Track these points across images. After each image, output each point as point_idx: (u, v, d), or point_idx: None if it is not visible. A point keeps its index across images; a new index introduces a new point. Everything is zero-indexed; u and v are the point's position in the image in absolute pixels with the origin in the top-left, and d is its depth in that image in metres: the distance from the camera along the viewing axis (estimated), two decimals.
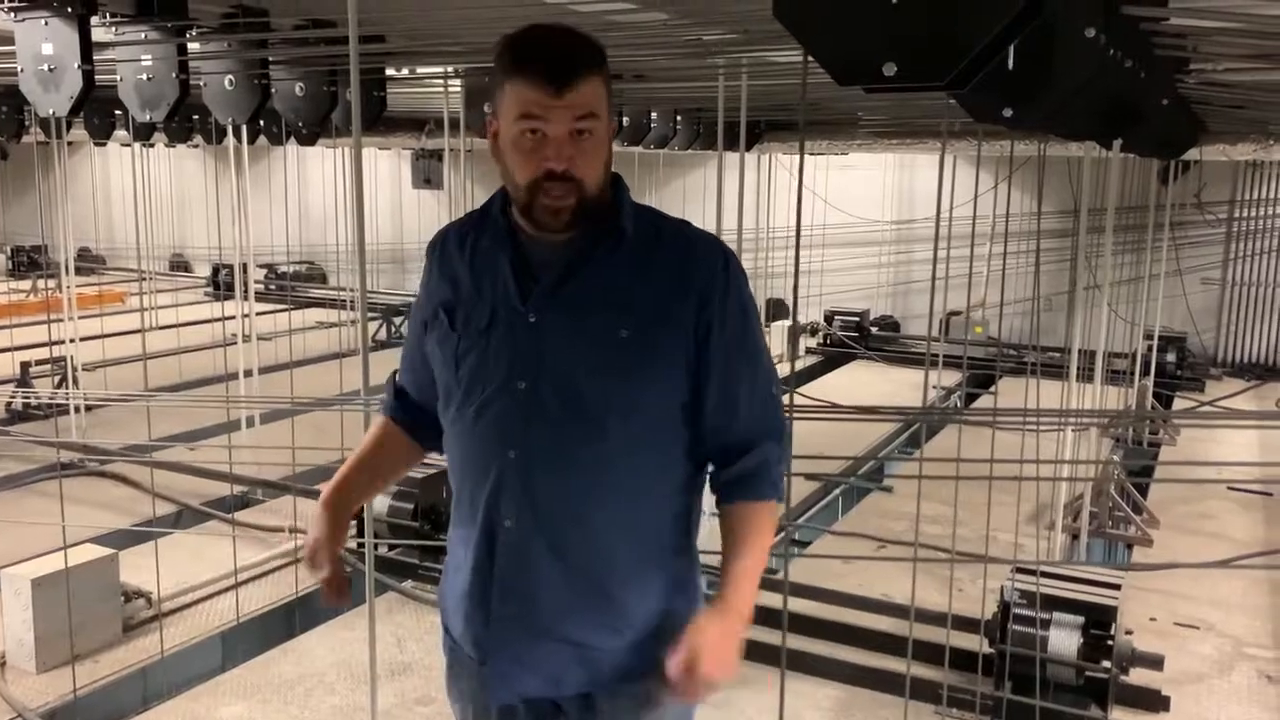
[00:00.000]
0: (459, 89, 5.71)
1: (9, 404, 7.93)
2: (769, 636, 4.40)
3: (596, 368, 1.65)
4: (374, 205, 14.84)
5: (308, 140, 8.89)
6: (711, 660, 1.57)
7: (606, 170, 1.65)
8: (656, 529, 1.74)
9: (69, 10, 3.61)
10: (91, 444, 6.90)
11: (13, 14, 3.69)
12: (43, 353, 7.85)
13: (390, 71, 5.33)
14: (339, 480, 1.93)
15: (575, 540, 1.69)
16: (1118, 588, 4.03)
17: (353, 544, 5.36)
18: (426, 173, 13.96)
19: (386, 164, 15.26)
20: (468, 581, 1.74)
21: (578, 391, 1.65)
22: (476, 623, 1.74)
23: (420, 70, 5.79)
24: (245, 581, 5.01)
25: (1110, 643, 3.87)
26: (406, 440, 1.94)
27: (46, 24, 3.78)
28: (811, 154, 10.65)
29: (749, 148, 8.08)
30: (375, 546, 5.00)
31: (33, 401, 7.93)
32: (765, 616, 4.65)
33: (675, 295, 1.66)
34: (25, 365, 8.19)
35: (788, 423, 1.81)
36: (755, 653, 4.36)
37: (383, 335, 12.19)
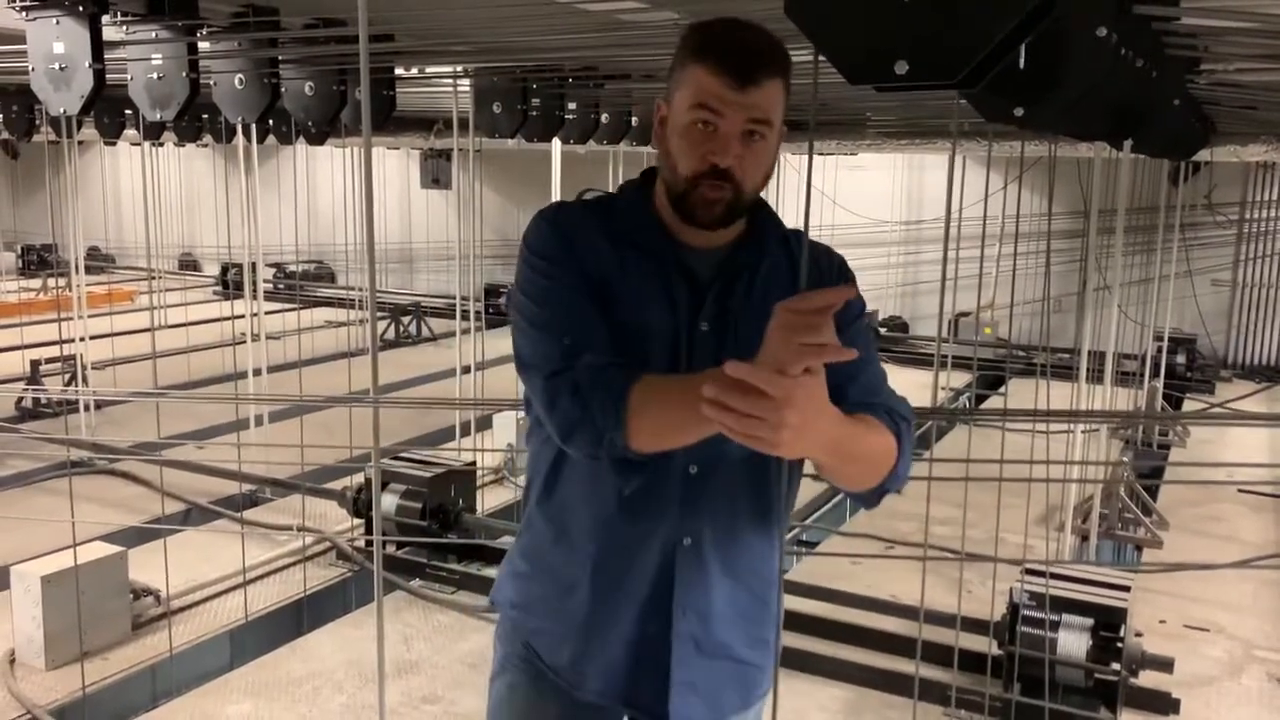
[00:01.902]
0: (468, 89, 5.71)
1: (19, 402, 7.96)
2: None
3: None
4: (383, 205, 14.87)
5: (317, 140, 8.91)
6: (792, 402, 1.29)
7: (766, 179, 1.59)
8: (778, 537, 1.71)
9: (80, 9, 3.62)
10: (101, 442, 6.92)
11: (25, 13, 3.70)
12: (53, 351, 7.88)
13: (399, 71, 5.34)
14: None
15: (743, 557, 1.66)
16: (1127, 590, 4.02)
17: (360, 542, 5.38)
18: (435, 173, 13.99)
19: (395, 163, 15.29)
20: (606, 604, 1.66)
21: None
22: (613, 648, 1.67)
23: (430, 70, 5.80)
24: (254, 580, 5.02)
25: (1120, 645, 3.85)
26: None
27: (58, 23, 3.79)
28: (820, 154, 10.63)
29: None
30: (383, 545, 5.01)
31: (43, 399, 7.97)
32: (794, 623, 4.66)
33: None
34: (35, 363, 8.22)
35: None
36: None
37: (391, 335, 12.21)
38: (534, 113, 5.63)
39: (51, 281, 12.96)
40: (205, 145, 12.67)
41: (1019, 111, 2.04)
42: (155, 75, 4.20)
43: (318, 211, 13.55)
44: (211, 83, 4.61)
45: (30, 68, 3.88)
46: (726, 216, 1.57)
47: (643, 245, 1.62)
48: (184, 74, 4.16)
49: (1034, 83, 1.99)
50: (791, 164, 10.60)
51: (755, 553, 1.68)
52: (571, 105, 6.11)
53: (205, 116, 8.25)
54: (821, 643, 4.46)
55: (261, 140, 8.41)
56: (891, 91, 1.73)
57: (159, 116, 4.31)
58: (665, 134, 1.58)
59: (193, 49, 4.17)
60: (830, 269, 1.69)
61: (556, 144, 6.70)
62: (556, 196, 6.84)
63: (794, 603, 4.58)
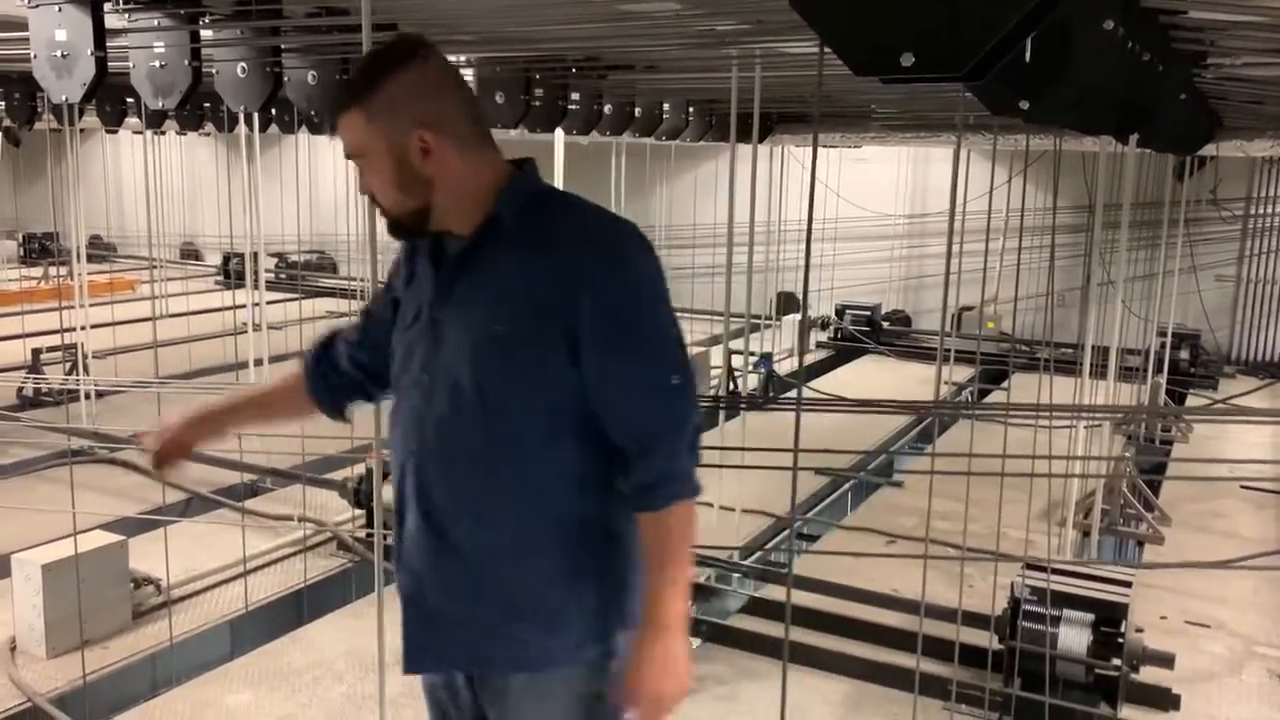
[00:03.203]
0: (470, 78, 5.69)
1: (20, 390, 7.96)
2: (776, 630, 4.40)
3: (475, 364, 1.69)
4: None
5: (319, 129, 8.89)
6: (653, 681, 1.66)
7: (404, 190, 1.69)
8: (552, 531, 1.72)
9: None
10: (102, 431, 6.92)
11: (27, 0, 3.69)
12: (54, 340, 7.87)
13: None
14: (228, 400, 2.23)
15: (460, 537, 1.74)
16: (1129, 585, 4.01)
17: (361, 533, 5.37)
18: None
19: None
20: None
21: (460, 389, 1.70)
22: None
23: None
24: (254, 570, 5.02)
25: (1121, 640, 3.85)
26: (304, 393, 2.07)
27: (60, 10, 3.78)
28: (824, 146, 10.60)
29: (761, 140, 8.05)
30: (384, 536, 5.01)
31: (44, 388, 7.96)
32: (773, 610, 4.67)
33: (549, 284, 1.65)
34: (37, 352, 8.22)
35: (693, 414, 1.73)
36: (761, 646, 4.37)
37: None
38: (536, 103, 5.60)
39: (53, 270, 12.95)
40: (207, 134, 12.65)
41: (1024, 105, 2.02)
42: (158, 63, 4.18)
43: (319, 201, 13.53)
44: (214, 71, 4.60)
45: (32, 55, 3.87)
46: (394, 230, 1.76)
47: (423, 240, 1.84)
48: (186, 62, 4.15)
49: (1040, 76, 1.98)
50: (795, 156, 10.57)
51: (484, 536, 1.76)
52: (575, 96, 6.08)
53: (207, 105, 8.23)
54: (823, 636, 4.46)
55: (264, 129, 8.38)
56: (897, 84, 1.72)
57: (161, 105, 4.29)
58: None
59: (195, 37, 4.15)
60: (583, 249, 1.68)
61: (559, 135, 6.67)
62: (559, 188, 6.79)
63: (798, 597, 4.57)
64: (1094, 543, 5.62)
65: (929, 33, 1.64)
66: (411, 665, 1.83)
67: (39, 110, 8.53)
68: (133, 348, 9.12)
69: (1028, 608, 3.90)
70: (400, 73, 1.66)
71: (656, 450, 1.67)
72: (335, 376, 2.03)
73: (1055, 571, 4.00)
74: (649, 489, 1.68)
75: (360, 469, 5.56)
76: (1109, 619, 3.86)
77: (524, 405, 1.68)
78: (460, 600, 1.75)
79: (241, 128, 8.00)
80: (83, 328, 7.64)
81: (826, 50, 1.67)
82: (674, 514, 1.69)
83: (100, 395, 7.63)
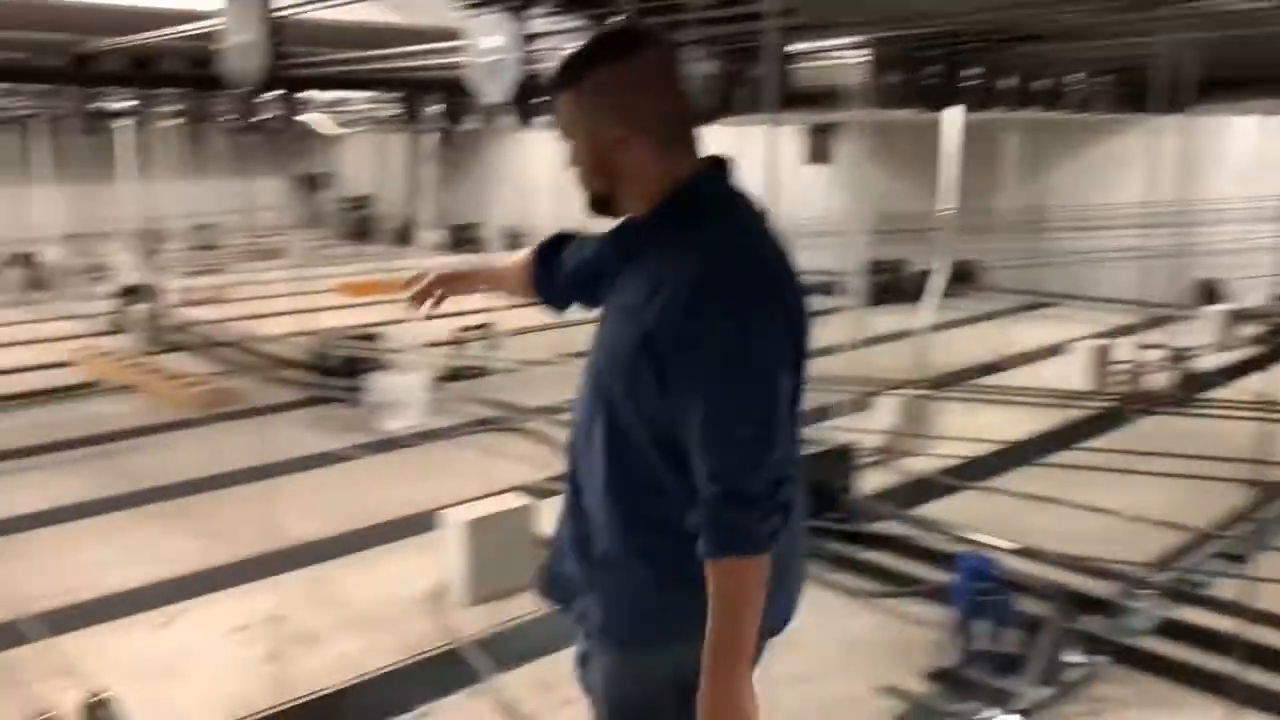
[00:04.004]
0: (865, 59, 5.57)
1: (444, 365, 8.93)
2: (1189, 655, 3.93)
3: (605, 358, 1.83)
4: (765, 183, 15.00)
5: (708, 120, 9.18)
6: (707, 716, 1.71)
7: (601, 174, 1.80)
8: (646, 529, 1.82)
9: (514, 5, 3.93)
10: (509, 402, 7.59)
11: (470, 11, 4.08)
12: (474, 320, 8.76)
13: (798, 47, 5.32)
14: (472, 265, 2.47)
15: (586, 504, 1.91)
16: None
17: None
18: (817, 148, 13.90)
19: (769, 141, 15.36)
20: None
21: (599, 374, 1.84)
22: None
23: (824, 43, 5.72)
24: None
25: None
26: (529, 277, 2.23)
27: (490, 19, 4.16)
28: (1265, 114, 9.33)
29: (1181, 109, 7.22)
30: None
31: (464, 364, 8.90)
32: (1187, 634, 4.16)
33: (654, 309, 1.70)
34: (458, 330, 9.22)
35: (766, 469, 1.67)
36: (1173, 671, 3.91)
37: None
38: (932, 81, 5.39)
39: (474, 257, 14.41)
40: None
41: None
42: None
43: None
44: None
45: (467, 61, 4.29)
46: (593, 208, 1.87)
47: None
48: None
49: None
50: (1213, 127, 9.37)
51: (594, 519, 1.91)
52: (971, 71, 5.79)
53: None
54: (1249, 668, 3.92)
55: None
56: None
57: None
58: None
59: None
60: (681, 275, 1.69)
61: (952, 113, 6.38)
62: (951, 169, 6.52)
63: (1218, 622, 4.07)
64: None
65: None
66: (539, 591, 2.10)
67: (464, 113, 9.52)
68: (539, 328, 9.92)
69: None
70: (616, 64, 1.73)
71: (714, 495, 1.67)
72: (556, 276, 2.18)
73: None
74: (701, 529, 1.69)
75: None
76: None
77: (628, 409, 1.77)
78: (575, 556, 1.93)
79: None
80: (499, 309, 8.43)
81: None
82: (724, 566, 1.68)
83: (511, 371, 8.39)
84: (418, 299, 2.27)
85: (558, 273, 2.17)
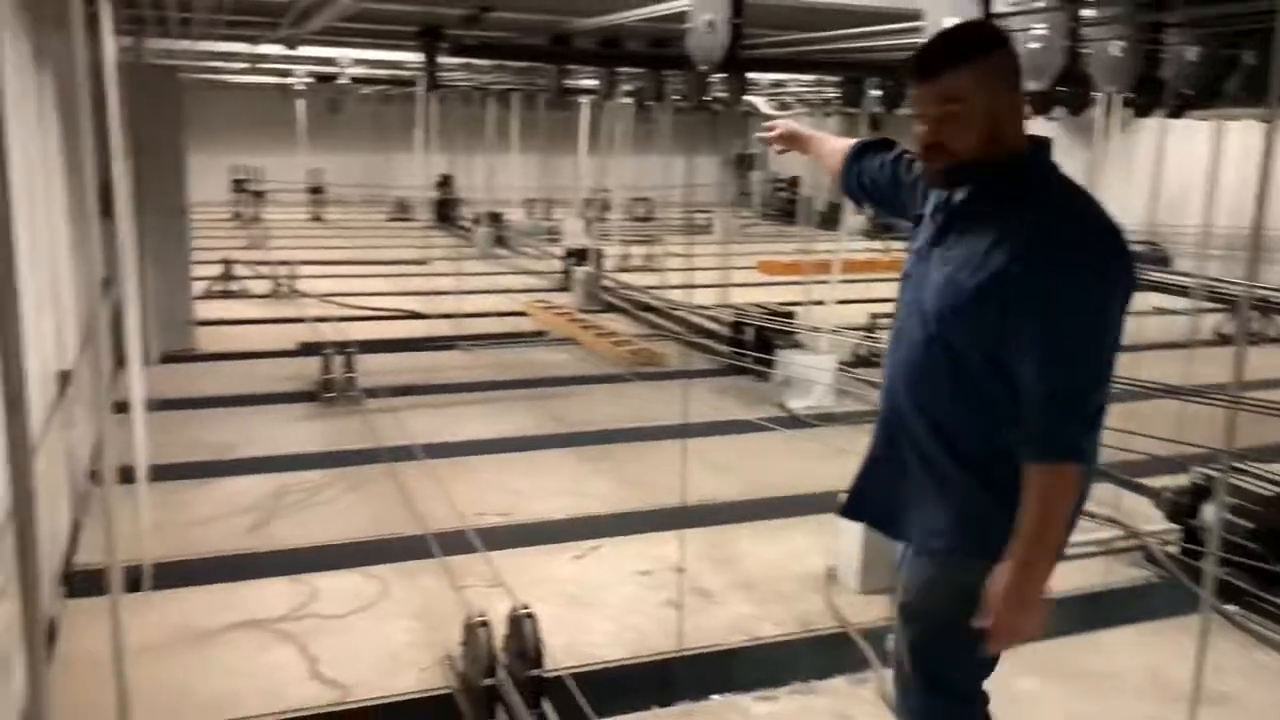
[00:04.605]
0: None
1: (856, 349, 8.90)
2: None
3: (939, 305, 2.07)
4: (1229, 184, 13.30)
5: (1177, 113, 8.27)
6: (1003, 611, 1.99)
7: (982, 140, 2.00)
8: (969, 445, 2.11)
9: None
10: None
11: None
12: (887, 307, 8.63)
13: None
14: (815, 134, 2.81)
15: (910, 438, 2.22)
16: None
17: (1174, 549, 4.94)
18: None
19: (1238, 138, 13.54)
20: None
21: (927, 323, 2.11)
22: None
23: None
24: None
25: None
26: (840, 166, 2.60)
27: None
28: None
29: None
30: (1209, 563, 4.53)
31: (875, 350, 8.81)
32: None
33: (998, 267, 1.97)
34: (873, 316, 9.14)
35: (1093, 399, 1.98)
36: None
37: (1230, 329, 10.96)
38: None
39: (895, 245, 14.20)
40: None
41: None
42: (1035, 44, 4.25)
43: (1163, 189, 12.68)
44: (1088, 51, 4.52)
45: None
46: (946, 179, 2.11)
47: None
48: (1062, 42, 4.14)
49: None
50: None
51: (927, 439, 2.23)
52: None
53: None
54: None
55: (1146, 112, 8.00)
56: None
57: (1033, 86, 4.36)
58: None
59: (1075, 18, 4.12)
60: (1023, 239, 1.96)
61: None
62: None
63: None
64: None
65: None
66: (846, 514, 2.49)
67: (902, 98, 9.35)
68: None
69: None
70: (1005, 47, 2.06)
71: (1052, 411, 1.94)
72: (862, 175, 2.53)
73: None
74: (1033, 438, 1.96)
75: (1183, 479, 5.08)
76: None
77: (964, 349, 2.04)
78: (899, 482, 2.26)
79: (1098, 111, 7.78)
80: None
81: None
82: (1050, 468, 1.95)
83: None
84: (770, 140, 2.78)
85: (864, 171, 2.52)
